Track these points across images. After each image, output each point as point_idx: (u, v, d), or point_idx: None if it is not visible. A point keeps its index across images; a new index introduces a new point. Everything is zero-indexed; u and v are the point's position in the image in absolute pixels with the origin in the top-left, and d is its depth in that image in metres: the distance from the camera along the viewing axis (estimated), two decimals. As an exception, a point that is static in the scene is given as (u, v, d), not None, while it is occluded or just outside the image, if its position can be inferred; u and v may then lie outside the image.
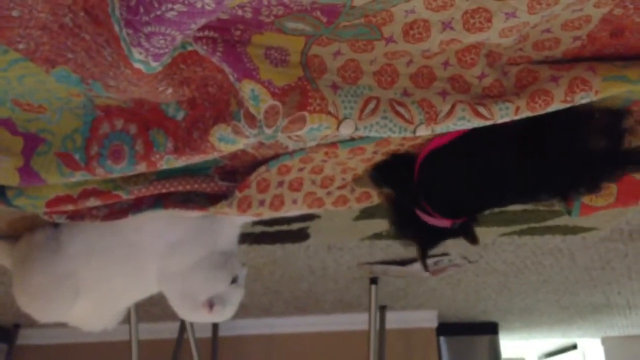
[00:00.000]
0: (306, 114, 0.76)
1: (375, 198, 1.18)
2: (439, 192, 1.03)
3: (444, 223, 1.04)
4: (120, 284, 1.20)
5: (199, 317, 1.18)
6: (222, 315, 1.17)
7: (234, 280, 1.16)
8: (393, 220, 1.13)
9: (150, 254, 1.17)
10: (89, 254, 1.17)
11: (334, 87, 0.79)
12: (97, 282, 1.18)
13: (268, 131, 0.76)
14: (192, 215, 1.13)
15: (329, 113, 0.77)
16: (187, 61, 0.78)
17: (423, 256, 1.11)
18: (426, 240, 1.10)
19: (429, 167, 1.01)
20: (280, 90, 0.75)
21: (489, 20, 0.71)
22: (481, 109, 0.80)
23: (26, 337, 2.62)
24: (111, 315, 1.29)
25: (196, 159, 0.86)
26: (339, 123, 0.78)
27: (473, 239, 1.08)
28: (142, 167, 0.89)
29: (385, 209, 1.14)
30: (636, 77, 0.80)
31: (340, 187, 1.15)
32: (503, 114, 0.80)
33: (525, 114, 0.80)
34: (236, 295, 1.17)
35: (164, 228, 1.16)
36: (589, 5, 0.73)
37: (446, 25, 0.73)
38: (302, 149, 1.00)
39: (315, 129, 0.77)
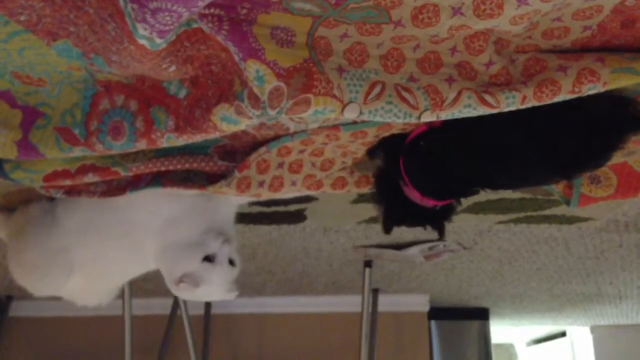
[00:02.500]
0: (311, 96, 0.75)
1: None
2: (420, 166, 1.00)
3: (425, 202, 1.02)
4: (116, 260, 1.19)
5: (178, 294, 1.17)
6: (194, 293, 1.13)
7: (208, 259, 1.12)
8: (376, 187, 1.10)
9: (146, 231, 1.16)
10: (85, 229, 1.16)
11: (340, 70, 0.78)
12: (92, 257, 1.17)
13: (272, 112, 0.75)
14: (190, 193, 1.12)
15: (334, 96, 0.76)
16: (192, 39, 0.77)
17: (386, 220, 1.08)
18: (397, 209, 1.07)
19: (415, 141, 0.99)
20: (285, 71, 0.74)
21: (500, 6, 0.70)
22: (487, 97, 0.79)
23: (19, 309, 2.62)
24: (106, 291, 1.28)
25: (197, 138, 0.85)
26: (344, 107, 0.77)
27: (440, 231, 1.06)
28: (142, 145, 0.88)
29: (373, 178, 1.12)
30: (644, 70, 0.80)
31: (339, 170, 1.14)
32: (509, 103, 0.79)
33: (531, 103, 0.79)
34: (213, 274, 1.12)
35: (161, 205, 1.15)
36: (602, -5, 0.72)
37: (456, 11, 0.72)
38: (303, 131, 0.99)
39: (319, 112, 0.76)
